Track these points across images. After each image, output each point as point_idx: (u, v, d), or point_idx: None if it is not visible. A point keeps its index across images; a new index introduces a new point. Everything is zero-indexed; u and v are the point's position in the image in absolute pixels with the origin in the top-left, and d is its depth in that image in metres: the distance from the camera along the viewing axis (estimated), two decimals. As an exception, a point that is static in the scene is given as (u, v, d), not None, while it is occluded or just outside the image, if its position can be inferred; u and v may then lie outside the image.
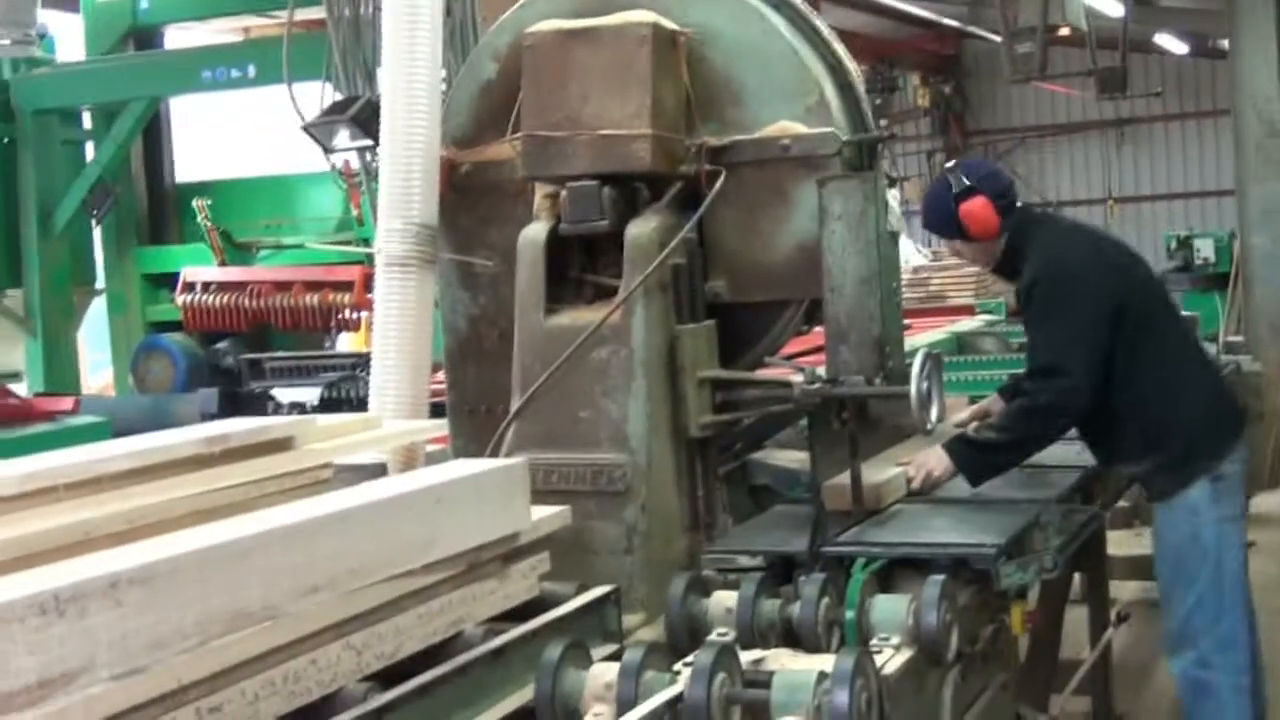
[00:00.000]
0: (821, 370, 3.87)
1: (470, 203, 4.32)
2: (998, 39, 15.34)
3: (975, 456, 4.21)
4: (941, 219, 4.52)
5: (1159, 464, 4.46)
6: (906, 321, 5.22)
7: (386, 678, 2.60)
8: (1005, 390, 4.79)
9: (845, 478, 3.84)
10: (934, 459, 4.18)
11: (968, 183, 4.42)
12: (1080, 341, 4.29)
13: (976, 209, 4.40)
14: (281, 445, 3.26)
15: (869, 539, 3.68)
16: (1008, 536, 3.62)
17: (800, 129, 3.98)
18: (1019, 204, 4.57)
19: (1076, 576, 5.20)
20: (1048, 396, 4.26)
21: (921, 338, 8.93)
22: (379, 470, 3.87)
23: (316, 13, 8.26)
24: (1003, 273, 4.65)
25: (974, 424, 4.62)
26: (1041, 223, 4.62)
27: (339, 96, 7.70)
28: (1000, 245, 4.50)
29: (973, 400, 8.29)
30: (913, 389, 3.67)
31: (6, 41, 9.78)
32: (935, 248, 24.17)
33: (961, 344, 9.64)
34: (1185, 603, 4.47)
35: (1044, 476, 4.39)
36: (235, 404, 8.83)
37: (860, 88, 4.27)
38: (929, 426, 3.79)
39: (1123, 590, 6.66)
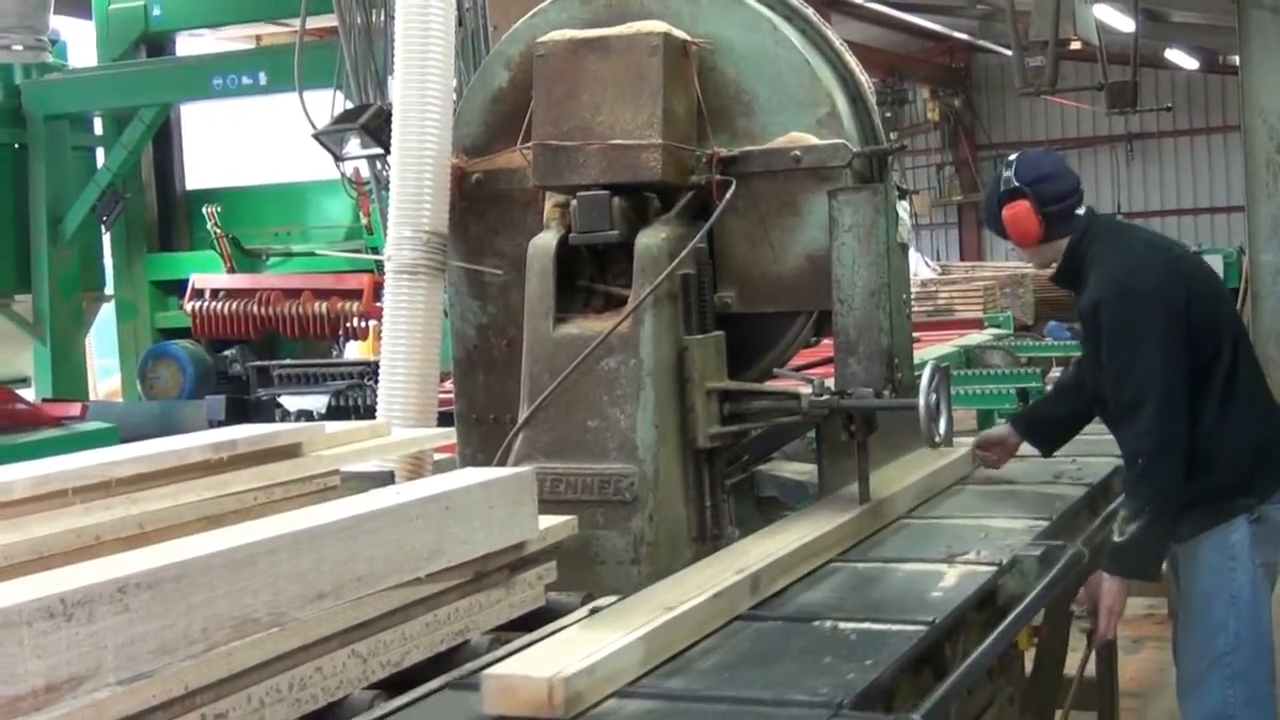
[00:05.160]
0: (830, 382, 3.86)
1: (480, 211, 4.32)
2: (1008, 52, 15.33)
3: (1137, 556, 4.08)
4: (991, 216, 4.37)
5: (1198, 495, 4.11)
6: (915, 335, 5.18)
7: (392, 685, 2.60)
8: (1018, 420, 4.70)
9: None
10: (1107, 595, 4.09)
11: (1016, 184, 4.22)
12: (1161, 366, 4.04)
13: (1017, 214, 4.21)
14: (289, 452, 3.27)
15: None
16: None
17: (811, 140, 3.97)
18: (1083, 210, 4.30)
19: (1077, 601, 5.18)
20: (1147, 442, 4.03)
21: (929, 351, 8.93)
22: (386, 478, 3.87)
23: (328, 21, 8.28)
24: (1061, 280, 4.41)
25: (1114, 524, 4.19)
26: (1112, 234, 4.32)
27: (350, 104, 7.72)
28: (1059, 249, 4.27)
29: (981, 416, 8.34)
30: (921, 402, 3.66)
31: (19, 47, 9.82)
32: (944, 261, 24.20)
33: (969, 357, 9.66)
34: (1210, 649, 4.17)
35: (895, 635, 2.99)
36: (243, 411, 8.87)
37: (871, 100, 4.26)
38: (937, 440, 3.78)
39: (1129, 605, 6.62)
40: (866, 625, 3.03)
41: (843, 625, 3.02)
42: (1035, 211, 4.20)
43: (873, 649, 2.85)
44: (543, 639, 2.78)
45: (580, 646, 2.65)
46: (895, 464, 4.29)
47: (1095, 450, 4.86)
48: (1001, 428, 4.77)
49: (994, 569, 3.46)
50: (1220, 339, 4.19)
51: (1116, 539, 4.09)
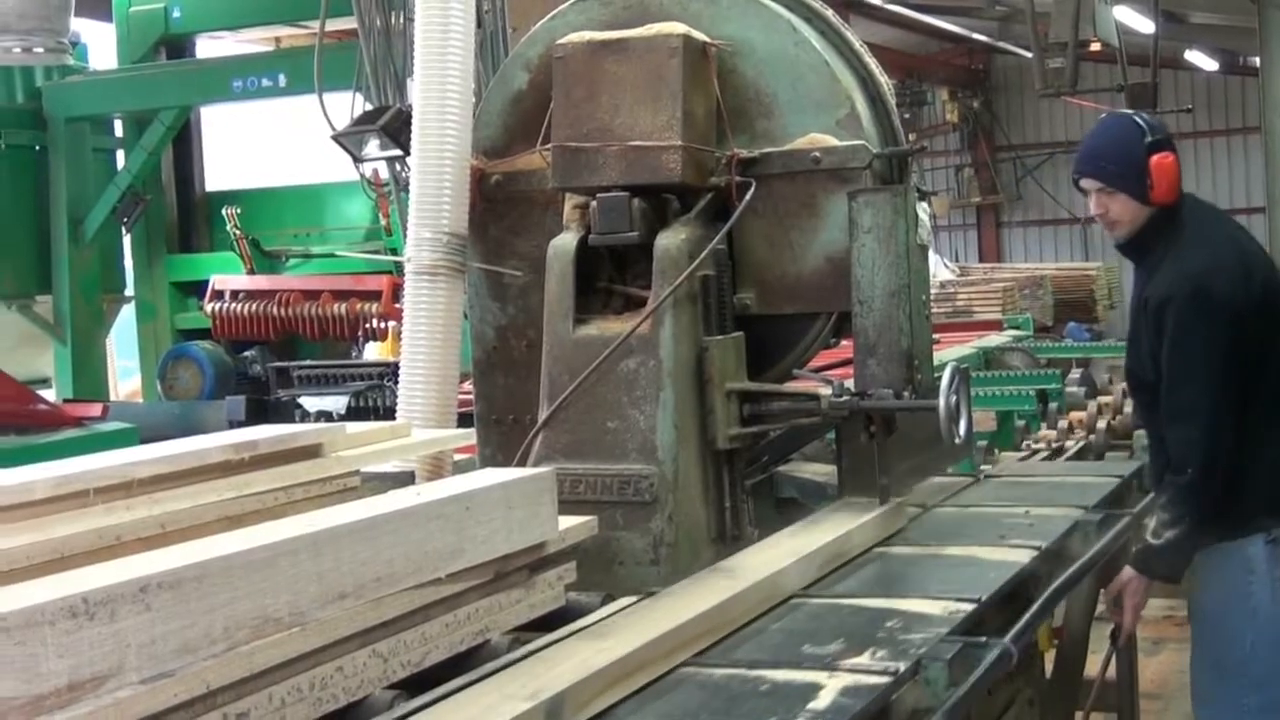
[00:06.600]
0: (849, 383, 3.86)
1: (500, 213, 4.33)
2: (1027, 54, 15.32)
3: (1171, 562, 4.08)
4: (1123, 164, 4.14)
5: (1221, 508, 4.10)
6: (934, 336, 5.17)
7: (413, 685, 2.60)
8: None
9: None
10: (1134, 593, 4.09)
11: (1158, 136, 4.10)
12: (1220, 379, 4.03)
13: (1170, 165, 4.09)
14: (310, 452, 3.27)
15: None
16: None
17: (831, 141, 3.97)
18: None
19: (1102, 592, 5.16)
20: (1198, 454, 4.00)
21: (949, 352, 8.93)
22: (406, 478, 3.87)
23: (348, 23, 8.30)
24: (1133, 249, 4.29)
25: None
26: (1201, 215, 4.25)
27: (369, 106, 7.74)
28: (1146, 216, 4.17)
29: (1001, 417, 8.32)
30: (941, 403, 3.66)
31: (40, 49, 9.88)
32: (963, 262, 24.15)
33: (989, 359, 9.65)
34: (1226, 659, 4.17)
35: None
36: (262, 412, 8.89)
37: (891, 101, 4.26)
38: (956, 441, 3.78)
39: (1148, 607, 6.60)
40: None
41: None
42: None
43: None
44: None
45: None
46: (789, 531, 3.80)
47: (1054, 499, 4.32)
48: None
49: (888, 680, 2.63)
50: (1273, 350, 4.16)
51: (1152, 541, 4.08)
